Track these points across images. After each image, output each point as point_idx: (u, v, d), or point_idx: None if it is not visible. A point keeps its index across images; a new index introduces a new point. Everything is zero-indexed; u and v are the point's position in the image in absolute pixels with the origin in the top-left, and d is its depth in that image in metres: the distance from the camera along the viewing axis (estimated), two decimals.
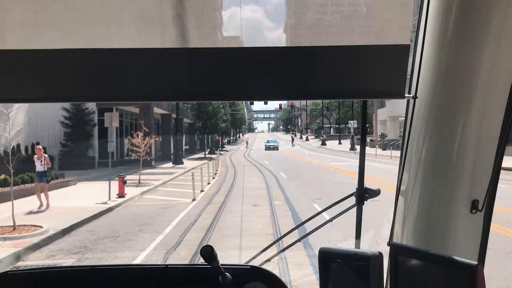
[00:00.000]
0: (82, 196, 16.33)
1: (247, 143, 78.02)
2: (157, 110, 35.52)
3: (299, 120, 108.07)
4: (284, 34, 1.59)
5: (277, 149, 54.43)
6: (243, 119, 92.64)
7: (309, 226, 2.27)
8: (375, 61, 1.54)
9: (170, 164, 32.03)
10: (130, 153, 24.17)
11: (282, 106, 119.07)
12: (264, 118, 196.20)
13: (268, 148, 57.26)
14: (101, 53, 1.51)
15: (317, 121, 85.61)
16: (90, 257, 8.47)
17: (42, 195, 13.80)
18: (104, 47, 1.51)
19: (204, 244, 2.63)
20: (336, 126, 73.57)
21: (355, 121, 52.36)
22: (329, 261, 1.73)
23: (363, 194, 1.91)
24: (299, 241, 2.25)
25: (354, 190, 1.94)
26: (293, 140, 74.21)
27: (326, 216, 2.18)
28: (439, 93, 1.68)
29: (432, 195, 1.74)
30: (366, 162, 1.91)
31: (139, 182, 19.65)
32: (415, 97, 1.65)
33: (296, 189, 17.69)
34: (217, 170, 26.89)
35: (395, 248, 1.72)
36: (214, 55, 1.54)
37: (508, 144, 1.68)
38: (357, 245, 1.85)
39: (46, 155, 14.17)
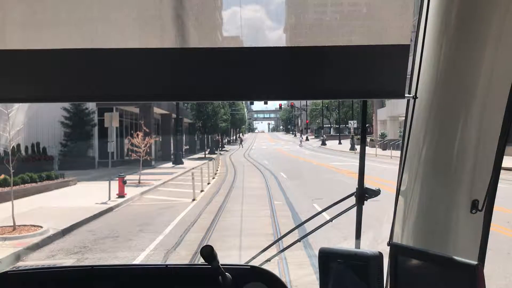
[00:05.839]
0: (82, 196, 16.31)
1: (241, 141, 75.10)
2: (157, 110, 35.51)
3: (299, 120, 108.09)
4: (284, 34, 1.58)
5: None
6: (243, 119, 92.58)
7: (309, 226, 2.27)
8: (375, 61, 1.54)
9: (170, 164, 32.02)
10: (130, 153, 24.16)
11: (282, 106, 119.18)
12: (264, 118, 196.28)
13: None
14: (101, 53, 1.51)
15: (317, 121, 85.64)
16: (90, 257, 8.47)
17: None
18: (104, 47, 1.51)
19: (204, 244, 2.63)
20: (336, 126, 73.53)
21: (355, 121, 52.37)
22: (329, 261, 1.73)
23: (363, 194, 1.91)
24: (299, 241, 2.25)
25: (354, 190, 1.95)
26: (301, 142, 66.98)
27: (326, 216, 2.18)
28: (439, 93, 1.68)
29: (432, 195, 1.74)
30: (366, 162, 1.91)
31: (139, 182, 19.64)
32: (415, 97, 1.65)
33: (296, 189, 17.68)
34: (217, 170, 26.87)
35: (395, 248, 1.72)
36: (214, 55, 1.54)
37: (508, 144, 1.68)
38: (357, 245, 1.85)
39: None
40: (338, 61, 1.55)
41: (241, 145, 70.25)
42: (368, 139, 43.31)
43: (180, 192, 17.80)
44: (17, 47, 1.50)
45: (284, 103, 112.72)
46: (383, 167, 23.37)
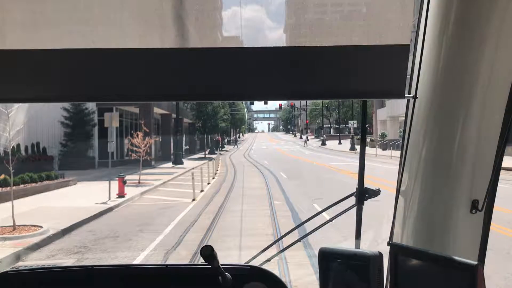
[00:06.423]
0: (82, 196, 16.32)
1: (236, 142, 72.76)
2: (157, 110, 35.53)
3: (299, 120, 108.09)
4: (284, 34, 1.58)
5: None
6: (243, 119, 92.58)
7: (309, 226, 2.27)
8: (375, 61, 1.54)
9: (170, 164, 32.03)
10: (130, 153, 24.16)
11: (282, 106, 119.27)
12: (264, 118, 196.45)
13: None
14: (101, 53, 1.51)
15: (317, 121, 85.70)
16: (90, 257, 8.47)
17: None
18: (104, 47, 1.51)
19: (204, 244, 2.63)
20: (336, 126, 73.54)
21: (355, 121, 52.39)
22: (329, 261, 1.73)
23: (363, 194, 1.91)
24: (299, 241, 2.25)
25: (354, 190, 1.95)
26: (305, 142, 63.99)
27: (326, 216, 2.18)
28: (439, 93, 1.68)
29: (432, 195, 1.74)
30: (366, 162, 1.91)
31: (139, 182, 19.65)
32: (415, 97, 1.65)
33: (296, 189, 17.68)
34: (217, 170, 26.88)
35: (395, 248, 1.71)
36: (214, 55, 1.54)
37: (508, 144, 1.68)
38: (357, 245, 1.85)
39: None
40: (338, 61, 1.55)
41: (236, 146, 68.39)
42: (368, 139, 43.33)
43: (180, 192, 17.81)
44: (17, 47, 1.50)
45: (284, 103, 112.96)
46: (383, 167, 23.36)
